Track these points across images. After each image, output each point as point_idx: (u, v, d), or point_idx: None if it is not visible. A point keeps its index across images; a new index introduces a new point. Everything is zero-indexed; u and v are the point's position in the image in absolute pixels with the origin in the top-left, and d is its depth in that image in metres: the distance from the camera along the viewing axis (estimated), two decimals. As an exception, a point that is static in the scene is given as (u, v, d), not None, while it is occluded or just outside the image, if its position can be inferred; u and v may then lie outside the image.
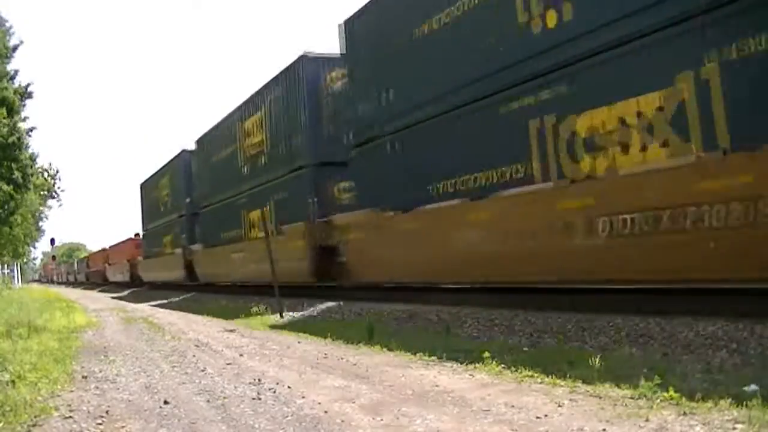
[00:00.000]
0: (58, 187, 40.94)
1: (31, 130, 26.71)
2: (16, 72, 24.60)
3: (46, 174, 37.25)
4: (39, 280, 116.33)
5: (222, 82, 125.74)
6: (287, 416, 5.11)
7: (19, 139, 23.58)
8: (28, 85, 25.43)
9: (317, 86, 16.62)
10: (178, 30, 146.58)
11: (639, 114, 7.84)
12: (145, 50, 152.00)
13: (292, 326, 12.05)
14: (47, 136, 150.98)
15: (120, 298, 31.81)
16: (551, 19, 9.01)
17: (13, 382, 6.57)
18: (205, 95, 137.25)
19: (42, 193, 36.19)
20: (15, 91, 23.52)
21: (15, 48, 24.35)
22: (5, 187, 23.91)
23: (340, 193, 16.20)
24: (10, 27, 24.46)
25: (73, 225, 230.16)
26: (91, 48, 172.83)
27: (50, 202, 42.36)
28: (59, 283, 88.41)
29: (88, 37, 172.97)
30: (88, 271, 64.37)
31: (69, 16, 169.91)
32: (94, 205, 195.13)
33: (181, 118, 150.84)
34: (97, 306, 23.55)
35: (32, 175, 28.59)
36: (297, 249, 16.22)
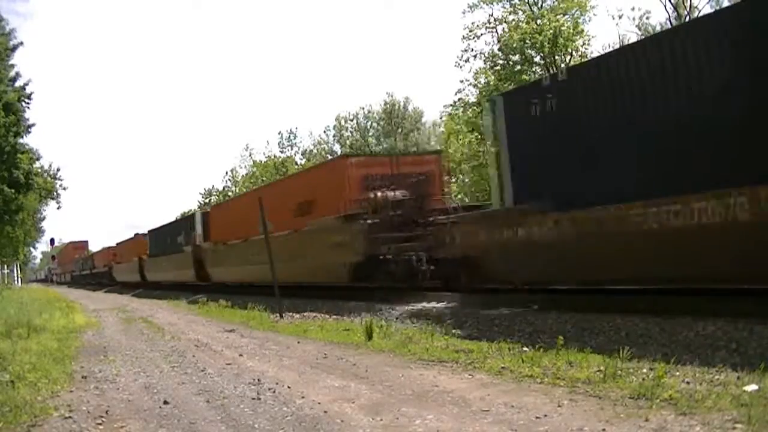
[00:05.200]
0: (60, 186, 40.73)
1: (30, 127, 26.61)
2: (18, 74, 24.55)
3: (46, 175, 37.08)
4: (46, 280, 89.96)
5: (223, 81, 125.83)
6: (287, 416, 5.11)
7: (16, 137, 23.50)
8: (26, 84, 25.26)
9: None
10: (181, 32, 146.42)
11: None
12: (151, 51, 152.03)
13: (291, 326, 12.05)
14: (47, 134, 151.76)
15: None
16: None
17: (12, 382, 6.57)
18: (207, 95, 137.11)
19: (42, 194, 35.99)
20: (18, 97, 23.47)
21: (15, 48, 24.28)
22: (6, 189, 23.86)
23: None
24: (9, 28, 24.39)
25: (73, 225, 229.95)
26: (96, 46, 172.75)
27: (50, 203, 42.18)
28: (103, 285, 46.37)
29: (93, 36, 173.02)
30: None
31: (75, 15, 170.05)
32: (94, 204, 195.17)
33: (182, 118, 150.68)
34: (97, 306, 23.54)
35: (36, 174, 28.51)
36: None
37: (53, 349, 9.37)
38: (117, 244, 46.15)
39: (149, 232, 37.89)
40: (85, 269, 59.93)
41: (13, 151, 23.64)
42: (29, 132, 26.28)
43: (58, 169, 40.13)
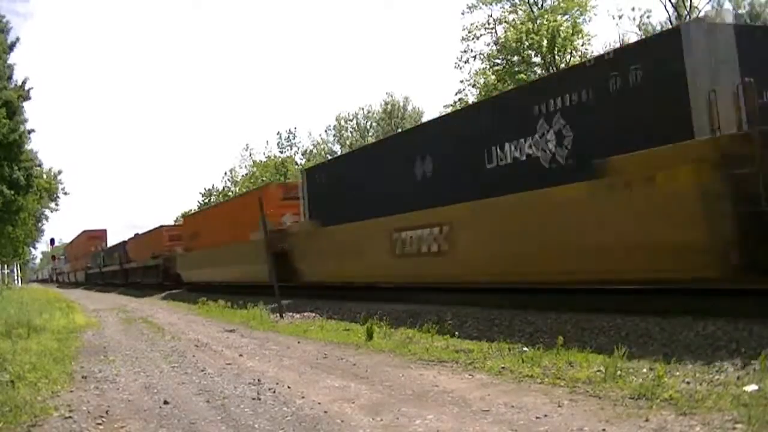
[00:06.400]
0: (62, 189, 40.76)
1: (30, 132, 26.67)
2: (12, 70, 24.61)
3: (46, 176, 37.16)
4: (48, 280, 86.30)
5: (223, 81, 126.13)
6: (287, 416, 5.11)
7: (20, 136, 23.57)
8: (24, 82, 25.32)
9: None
10: (181, 32, 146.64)
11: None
12: (151, 51, 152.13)
13: (292, 326, 12.04)
14: (46, 134, 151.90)
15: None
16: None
17: (12, 382, 6.56)
18: (207, 95, 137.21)
19: (41, 195, 36.03)
20: (17, 95, 23.53)
21: (12, 45, 24.35)
22: (6, 190, 23.91)
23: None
24: (7, 22, 24.44)
25: (72, 225, 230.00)
26: (96, 46, 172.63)
27: (49, 204, 42.20)
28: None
29: (93, 37, 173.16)
30: None
31: (75, 15, 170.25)
32: (93, 205, 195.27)
33: (182, 118, 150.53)
34: (96, 306, 23.53)
35: (36, 177, 28.59)
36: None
37: (53, 349, 9.37)
38: (186, 216, 29.75)
39: (307, 170, 18.77)
40: (109, 264, 43.30)
41: (16, 146, 23.70)
42: (29, 139, 26.39)
43: (59, 172, 40.32)
